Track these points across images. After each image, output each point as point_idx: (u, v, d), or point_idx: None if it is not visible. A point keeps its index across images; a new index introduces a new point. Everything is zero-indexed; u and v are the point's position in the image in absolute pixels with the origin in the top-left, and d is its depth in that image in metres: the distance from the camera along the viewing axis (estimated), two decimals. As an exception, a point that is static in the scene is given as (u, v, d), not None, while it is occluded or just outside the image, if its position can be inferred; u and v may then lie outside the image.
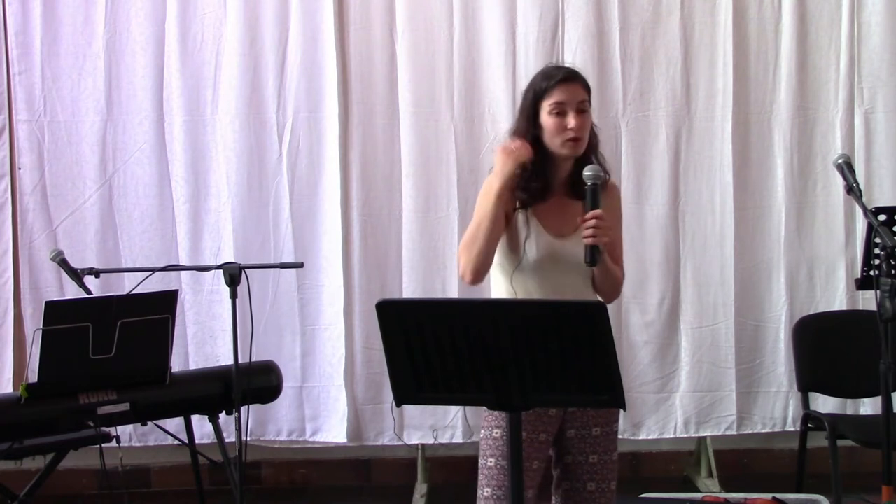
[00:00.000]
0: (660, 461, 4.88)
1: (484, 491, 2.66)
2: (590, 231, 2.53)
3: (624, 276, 2.78)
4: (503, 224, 2.64)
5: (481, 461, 2.69)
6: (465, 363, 2.07)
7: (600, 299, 2.67)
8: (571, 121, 2.61)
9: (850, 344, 4.18)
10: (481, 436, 2.71)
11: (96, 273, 3.83)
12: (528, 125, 2.67)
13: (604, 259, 2.61)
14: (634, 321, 4.62)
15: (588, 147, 2.71)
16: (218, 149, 4.56)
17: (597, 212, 2.54)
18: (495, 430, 2.66)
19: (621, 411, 2.77)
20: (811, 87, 4.61)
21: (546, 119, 2.64)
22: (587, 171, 2.58)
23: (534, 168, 2.66)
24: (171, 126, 4.55)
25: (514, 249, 2.68)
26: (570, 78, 2.67)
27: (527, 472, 2.60)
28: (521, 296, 2.68)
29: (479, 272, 2.65)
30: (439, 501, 4.59)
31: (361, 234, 4.59)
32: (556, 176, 2.69)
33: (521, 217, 2.68)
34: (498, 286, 2.72)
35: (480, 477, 2.68)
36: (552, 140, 2.64)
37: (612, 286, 2.73)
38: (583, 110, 2.65)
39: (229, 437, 3.77)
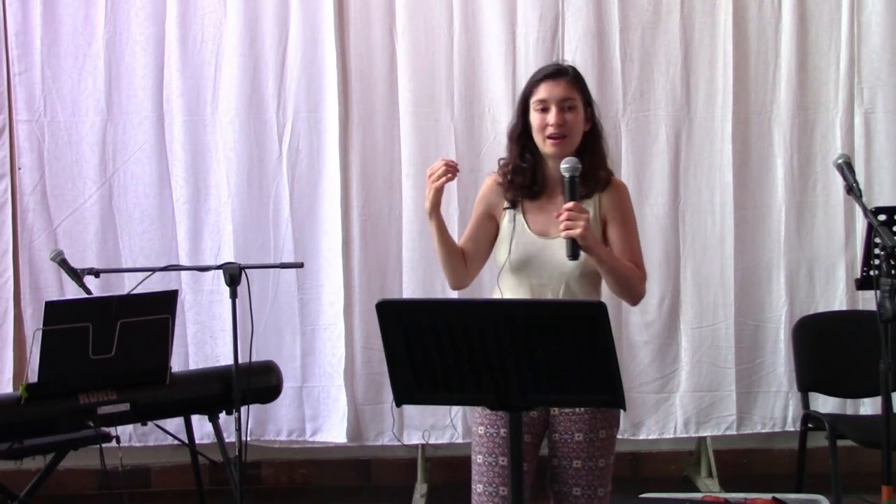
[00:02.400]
0: (660, 461, 4.88)
1: (476, 487, 2.70)
2: (563, 224, 2.50)
3: (644, 275, 2.73)
4: (449, 241, 2.68)
5: (472, 457, 2.73)
6: (465, 363, 2.07)
7: (601, 299, 2.66)
8: (551, 117, 2.62)
9: (850, 344, 4.18)
10: (472, 432, 2.75)
11: (96, 273, 3.83)
12: (518, 123, 2.70)
13: (598, 254, 2.55)
14: (634, 321, 4.62)
15: (593, 142, 2.71)
16: (218, 149, 4.56)
17: (569, 203, 2.51)
18: (479, 427, 2.70)
19: (614, 418, 2.73)
20: (811, 87, 4.61)
21: (532, 116, 2.66)
22: (564, 164, 2.56)
23: (522, 164, 2.68)
24: (171, 126, 4.55)
25: (500, 251, 2.70)
26: (555, 75, 2.67)
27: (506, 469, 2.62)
28: (505, 296, 2.69)
29: (454, 283, 2.76)
30: (439, 501, 4.59)
31: (361, 234, 4.59)
32: (547, 174, 2.70)
33: (507, 217, 2.70)
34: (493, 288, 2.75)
35: (472, 473, 2.72)
36: (537, 138, 2.66)
37: (623, 285, 2.64)
38: (570, 108, 2.64)
39: (229, 437, 3.77)
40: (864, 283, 3.47)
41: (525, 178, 2.69)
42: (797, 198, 4.62)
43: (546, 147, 2.65)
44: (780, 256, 4.62)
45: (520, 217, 2.69)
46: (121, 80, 4.55)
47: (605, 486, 2.69)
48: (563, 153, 2.61)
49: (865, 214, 3.10)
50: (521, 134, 2.70)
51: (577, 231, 2.47)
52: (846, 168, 3.07)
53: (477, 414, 2.71)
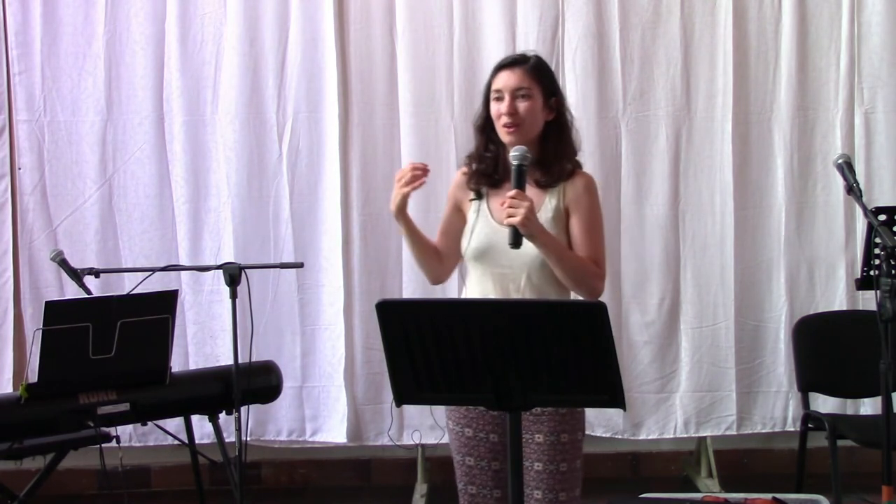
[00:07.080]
0: (660, 461, 4.88)
1: (469, 489, 2.71)
2: (505, 212, 2.50)
3: (601, 273, 2.68)
4: (421, 239, 2.74)
5: (457, 458, 2.72)
6: (465, 363, 2.07)
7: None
8: (503, 107, 2.65)
9: (850, 344, 4.18)
10: (451, 431, 2.73)
11: (96, 273, 3.83)
12: (483, 112, 2.75)
13: (543, 242, 2.53)
14: (634, 321, 4.62)
15: (557, 132, 2.70)
16: (218, 149, 4.56)
17: (512, 192, 2.50)
18: (467, 429, 2.69)
19: (578, 422, 2.67)
20: (811, 87, 4.61)
21: (491, 106, 2.70)
22: (513, 152, 2.56)
23: (486, 153, 2.72)
24: (171, 126, 4.56)
25: (463, 241, 2.73)
26: (511, 64, 2.70)
27: (485, 470, 2.66)
28: (469, 289, 2.73)
29: (432, 279, 2.83)
30: (439, 501, 4.59)
31: (361, 234, 4.59)
32: (508, 162, 2.65)
33: (472, 207, 2.73)
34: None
35: (459, 474, 2.73)
36: (497, 126, 2.69)
37: (573, 278, 2.60)
38: (524, 97, 2.65)
39: (229, 437, 3.77)
40: (864, 283, 3.47)
41: (487, 167, 2.73)
42: (797, 198, 4.62)
43: (503, 135, 2.67)
44: (780, 256, 4.62)
45: (484, 206, 2.72)
46: (121, 80, 4.55)
47: (568, 491, 2.63)
48: (517, 141, 2.62)
49: (865, 214, 3.10)
50: (484, 124, 2.74)
51: (517, 219, 2.46)
52: (846, 168, 3.06)
53: (461, 415, 2.68)
